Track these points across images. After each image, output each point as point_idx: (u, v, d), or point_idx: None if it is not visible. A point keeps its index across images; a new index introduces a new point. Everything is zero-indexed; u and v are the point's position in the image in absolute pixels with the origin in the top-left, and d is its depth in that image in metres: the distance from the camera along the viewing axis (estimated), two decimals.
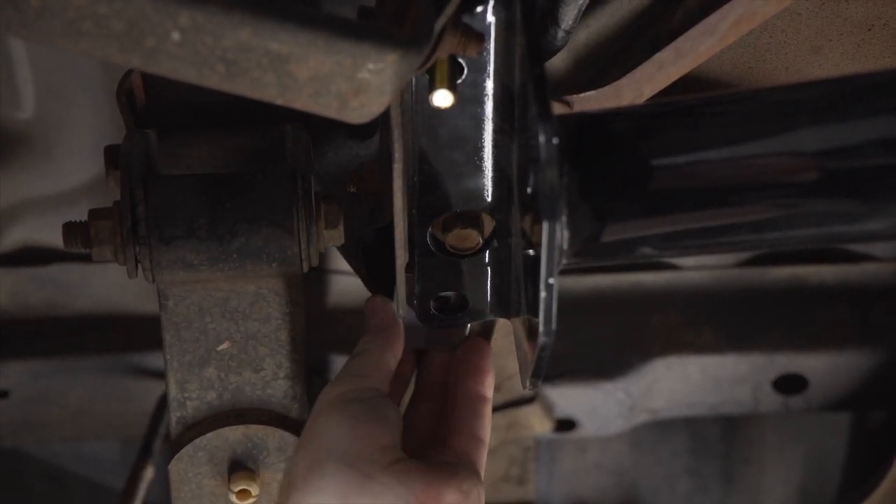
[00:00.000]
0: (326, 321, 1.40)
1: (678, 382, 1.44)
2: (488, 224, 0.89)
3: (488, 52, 0.83)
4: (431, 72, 0.80)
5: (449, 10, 0.75)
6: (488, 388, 0.97)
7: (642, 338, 1.43)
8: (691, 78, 1.05)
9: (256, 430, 1.01)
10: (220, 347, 1.00)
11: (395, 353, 0.94)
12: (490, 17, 0.81)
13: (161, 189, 0.93)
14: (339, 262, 1.38)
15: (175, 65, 0.69)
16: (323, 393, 0.92)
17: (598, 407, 1.44)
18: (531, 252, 0.82)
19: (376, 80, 0.70)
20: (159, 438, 1.30)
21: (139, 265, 0.94)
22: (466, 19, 0.80)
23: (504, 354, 1.33)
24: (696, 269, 1.44)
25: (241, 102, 0.75)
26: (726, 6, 0.99)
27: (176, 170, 0.96)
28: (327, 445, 0.87)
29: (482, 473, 0.92)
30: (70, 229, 0.95)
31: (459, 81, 0.83)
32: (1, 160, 1.28)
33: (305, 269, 0.97)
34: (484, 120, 0.85)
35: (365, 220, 1.01)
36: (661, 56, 1.01)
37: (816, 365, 1.45)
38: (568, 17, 0.97)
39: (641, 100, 1.03)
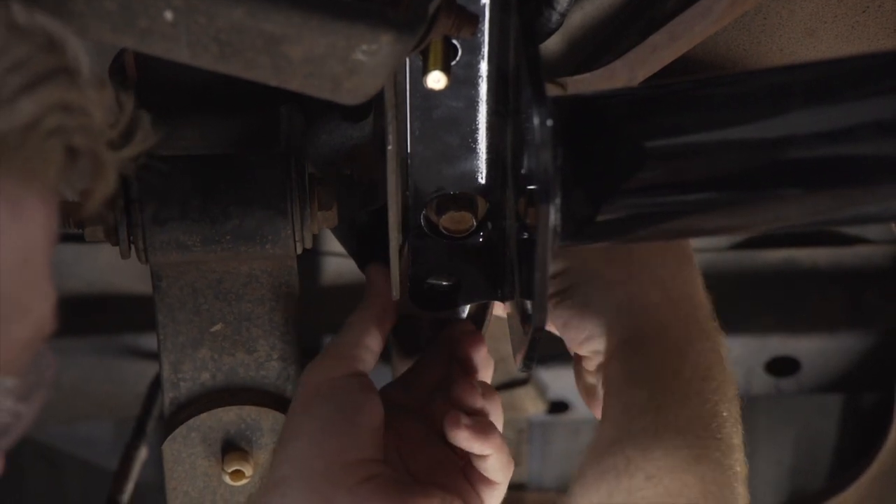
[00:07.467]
0: (320, 303, 1.40)
1: None
2: (482, 206, 0.89)
3: (483, 34, 0.82)
4: (425, 53, 0.80)
5: None
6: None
7: None
8: (685, 60, 1.05)
9: (250, 411, 1.01)
10: (214, 328, 1.00)
11: (383, 325, 0.94)
12: None
13: (154, 170, 0.93)
14: (333, 244, 1.38)
15: (168, 45, 0.68)
16: (305, 373, 0.92)
17: None
18: (525, 234, 0.82)
19: (370, 62, 0.70)
20: (153, 419, 1.30)
21: (132, 246, 0.94)
22: (461, 0, 0.80)
23: (498, 336, 1.33)
24: None
25: (234, 83, 0.75)
26: None
27: (169, 151, 0.96)
28: (294, 457, 0.87)
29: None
30: (63, 209, 0.95)
31: (453, 63, 0.83)
32: None
33: (299, 250, 0.97)
34: (478, 102, 0.85)
35: (358, 203, 1.01)
36: (654, 39, 1.01)
37: (808, 347, 1.46)
38: None
39: (635, 82, 1.02)
